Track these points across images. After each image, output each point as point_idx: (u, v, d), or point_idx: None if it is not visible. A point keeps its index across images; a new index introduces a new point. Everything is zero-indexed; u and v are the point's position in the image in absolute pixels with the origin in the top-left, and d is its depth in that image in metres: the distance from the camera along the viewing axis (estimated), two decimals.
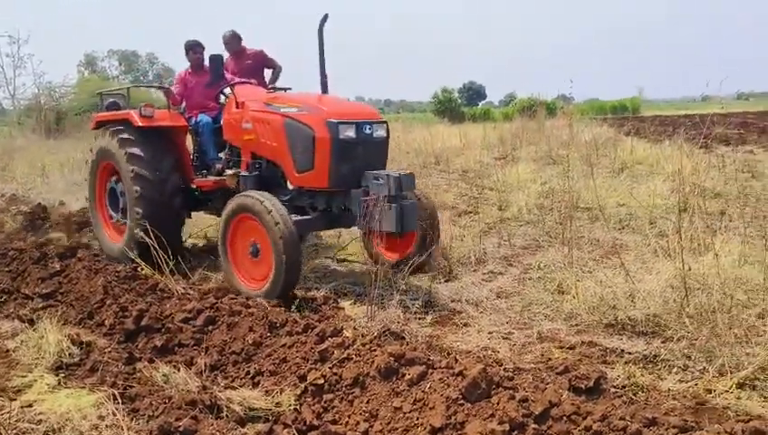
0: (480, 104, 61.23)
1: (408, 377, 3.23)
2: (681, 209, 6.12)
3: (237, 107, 6.05)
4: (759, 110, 35.37)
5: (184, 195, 6.50)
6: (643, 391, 3.43)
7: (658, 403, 3.28)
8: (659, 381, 3.56)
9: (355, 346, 3.64)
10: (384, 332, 4.17)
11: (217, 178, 6.40)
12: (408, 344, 4.01)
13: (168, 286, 5.20)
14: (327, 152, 5.20)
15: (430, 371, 3.27)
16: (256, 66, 7.62)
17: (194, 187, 6.62)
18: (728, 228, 6.45)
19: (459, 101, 47.35)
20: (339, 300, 5.21)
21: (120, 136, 6.39)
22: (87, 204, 7.66)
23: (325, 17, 5.39)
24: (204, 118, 6.77)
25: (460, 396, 2.99)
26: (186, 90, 7.04)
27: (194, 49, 7.11)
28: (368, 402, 3.21)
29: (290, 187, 5.88)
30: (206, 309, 4.47)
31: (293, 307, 4.82)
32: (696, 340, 3.89)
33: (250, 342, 3.97)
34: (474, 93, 69.33)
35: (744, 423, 2.74)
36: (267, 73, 7.73)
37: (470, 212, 8.63)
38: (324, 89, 5.69)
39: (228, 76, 6.69)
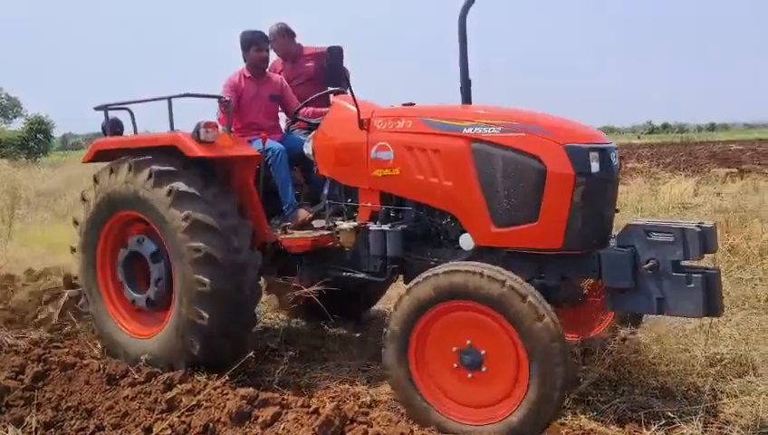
0: None
1: (261, 419, 3.14)
2: None
3: (363, 127, 4.05)
4: None
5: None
6: None
7: None
8: None
9: (206, 391, 3.49)
10: (239, 373, 4.03)
11: (317, 233, 4.29)
12: (262, 386, 3.90)
13: None
14: (567, 194, 3.43)
15: (285, 411, 3.20)
16: (319, 72, 5.23)
17: (271, 245, 4.41)
18: None
19: None
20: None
21: (158, 171, 4.08)
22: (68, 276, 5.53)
23: (470, 1, 3.83)
24: (274, 144, 4.59)
25: None
26: (239, 102, 4.86)
27: (258, 44, 4.92)
28: None
29: (467, 247, 3.81)
30: (33, 362, 4.05)
31: None
32: None
33: (87, 396, 3.66)
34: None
35: None
36: None
37: None
38: (466, 97, 4.03)
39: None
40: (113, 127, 4.74)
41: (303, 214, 4.52)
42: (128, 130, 4.78)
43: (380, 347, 3.45)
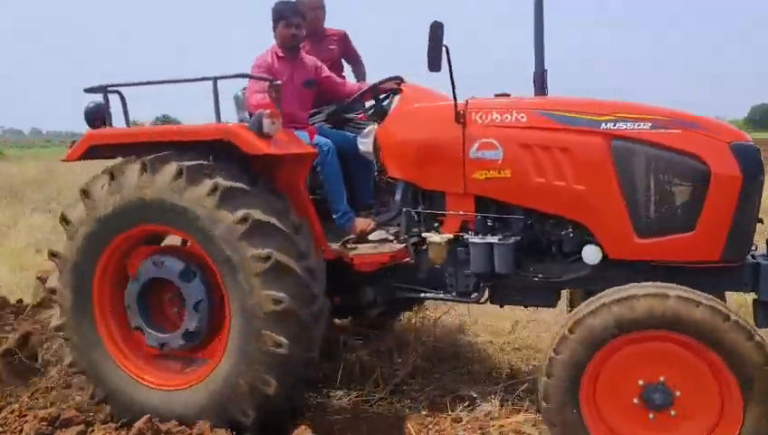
0: None
1: None
2: None
3: (460, 121, 3.41)
4: None
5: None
6: (310, 410, 3.70)
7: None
8: (329, 400, 3.84)
9: (1, 415, 3.21)
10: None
11: (392, 247, 3.66)
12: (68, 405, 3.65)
13: None
14: (733, 199, 3.04)
15: (90, 429, 3.04)
16: (338, 56, 4.76)
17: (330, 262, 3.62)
18: None
19: None
20: None
21: (193, 171, 3.24)
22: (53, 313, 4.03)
23: None
24: (322, 140, 3.86)
25: None
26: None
27: (287, 18, 4.10)
28: None
29: (592, 260, 3.30)
30: None
31: None
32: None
33: None
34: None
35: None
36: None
37: None
38: (541, 88, 3.62)
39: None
40: (100, 115, 3.69)
41: (363, 224, 3.82)
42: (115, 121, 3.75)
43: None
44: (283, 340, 3.10)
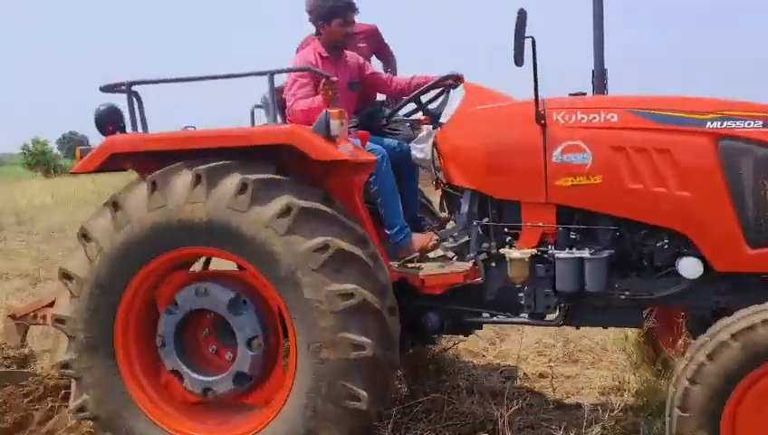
0: None
1: None
2: None
3: (540, 121, 3.04)
4: None
5: None
6: None
7: None
8: None
9: None
10: None
11: (462, 266, 3.25)
12: None
13: None
14: None
15: None
16: (368, 54, 4.36)
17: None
18: None
19: (57, 152, 42.82)
20: None
21: (261, 185, 2.77)
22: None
23: None
24: (375, 147, 3.45)
25: None
26: (317, 90, 3.51)
27: (345, 15, 3.69)
28: None
29: (692, 274, 2.97)
30: None
31: None
32: None
33: None
34: (75, 144, 65.02)
35: None
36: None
37: (49, 279, 7.17)
38: (601, 87, 3.46)
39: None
40: (115, 119, 3.23)
41: (423, 240, 3.40)
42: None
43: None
44: (363, 393, 2.67)
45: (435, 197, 4.07)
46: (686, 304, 3.12)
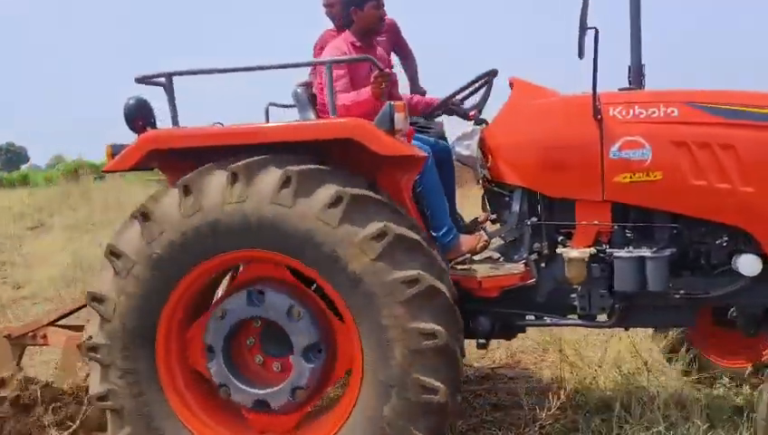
0: (22, 168, 54.17)
1: None
2: None
3: (597, 117, 2.95)
4: None
5: None
6: None
7: None
8: None
9: None
10: None
11: (517, 267, 3.13)
12: None
13: None
14: None
15: None
16: (388, 47, 4.10)
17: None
18: None
19: None
20: None
21: (306, 176, 2.61)
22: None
23: None
24: (419, 144, 3.22)
25: None
26: (352, 83, 3.37)
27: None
28: None
29: (751, 271, 2.91)
30: None
31: None
32: None
33: None
34: (14, 156, 63.22)
35: None
36: None
37: None
38: (638, 83, 3.20)
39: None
40: (145, 114, 3.04)
41: (472, 241, 3.24)
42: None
43: None
44: (440, 385, 2.54)
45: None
46: (740, 301, 3.06)
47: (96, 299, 2.76)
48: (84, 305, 3.26)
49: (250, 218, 2.59)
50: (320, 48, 4.05)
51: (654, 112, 2.98)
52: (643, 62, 3.22)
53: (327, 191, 2.57)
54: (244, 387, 2.78)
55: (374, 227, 2.53)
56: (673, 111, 2.97)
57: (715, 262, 3.04)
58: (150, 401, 2.78)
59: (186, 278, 2.75)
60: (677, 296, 3.00)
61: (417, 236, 2.63)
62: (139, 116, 3.02)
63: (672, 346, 4.04)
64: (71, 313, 3.81)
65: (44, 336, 3.66)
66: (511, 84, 3.31)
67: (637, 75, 3.21)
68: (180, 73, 2.98)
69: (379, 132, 2.73)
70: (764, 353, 3.86)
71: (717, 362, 4.01)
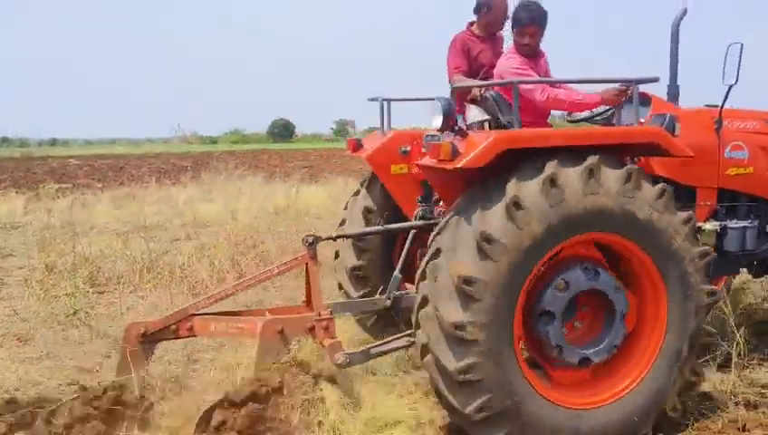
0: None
1: None
2: None
3: (717, 126, 4.21)
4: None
5: None
6: None
7: None
8: None
9: None
10: None
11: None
12: None
13: None
14: None
15: None
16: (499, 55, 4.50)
17: None
18: None
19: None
20: None
21: (639, 174, 3.30)
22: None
23: (684, 12, 4.25)
24: None
25: None
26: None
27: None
28: None
29: None
30: None
31: None
32: None
33: None
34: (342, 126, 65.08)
35: None
36: None
37: None
38: (674, 97, 4.27)
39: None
40: (451, 113, 3.41)
41: None
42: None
43: None
44: (713, 329, 4.02)
45: None
46: None
47: (467, 282, 3.02)
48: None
49: (603, 207, 3.17)
50: (460, 49, 4.51)
51: (747, 125, 4.35)
52: (678, 83, 4.26)
53: (653, 185, 3.32)
54: (573, 347, 3.30)
55: (684, 214, 3.39)
56: (755, 125, 4.38)
57: None
58: (506, 371, 3.12)
59: (541, 261, 3.18)
60: (760, 252, 4.34)
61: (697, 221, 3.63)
62: (450, 115, 3.39)
63: None
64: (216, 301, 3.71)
65: (190, 328, 3.60)
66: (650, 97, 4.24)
67: (673, 94, 4.26)
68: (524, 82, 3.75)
69: (672, 138, 3.52)
70: None
71: None
